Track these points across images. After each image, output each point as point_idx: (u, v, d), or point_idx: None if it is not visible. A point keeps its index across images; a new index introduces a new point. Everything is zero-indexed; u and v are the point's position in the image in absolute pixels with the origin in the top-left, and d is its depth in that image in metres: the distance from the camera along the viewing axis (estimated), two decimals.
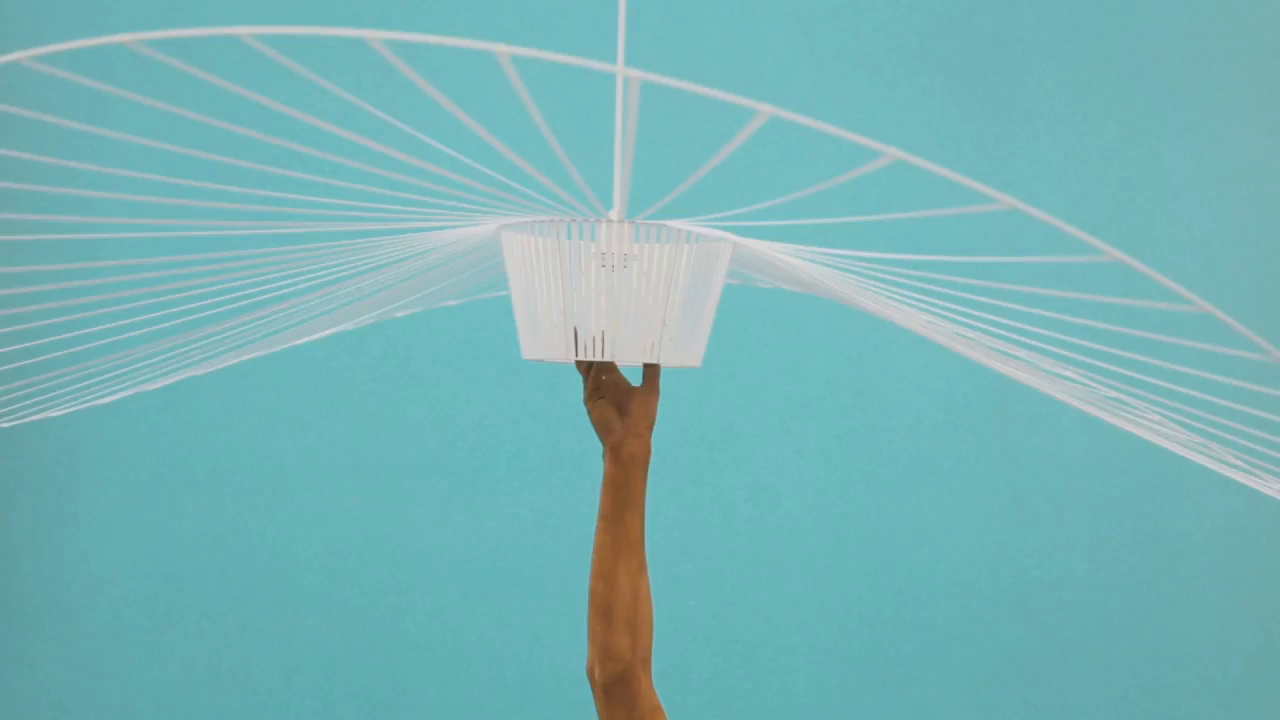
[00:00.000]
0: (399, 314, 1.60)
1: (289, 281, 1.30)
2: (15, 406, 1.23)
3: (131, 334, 1.24)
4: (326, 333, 1.42)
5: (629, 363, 1.28)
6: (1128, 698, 2.92)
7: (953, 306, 1.19)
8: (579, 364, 1.36)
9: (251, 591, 2.91)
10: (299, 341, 1.37)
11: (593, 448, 2.92)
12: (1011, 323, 1.15)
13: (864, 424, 2.96)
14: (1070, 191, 2.95)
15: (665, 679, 1.41)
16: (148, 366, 1.27)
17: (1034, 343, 1.18)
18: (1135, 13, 2.99)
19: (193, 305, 1.30)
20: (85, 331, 1.24)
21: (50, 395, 1.25)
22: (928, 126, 2.94)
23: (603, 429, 1.33)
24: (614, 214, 1.17)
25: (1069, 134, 2.95)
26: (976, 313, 1.15)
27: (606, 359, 1.23)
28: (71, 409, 1.25)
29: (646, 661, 1.34)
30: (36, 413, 1.24)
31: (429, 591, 2.92)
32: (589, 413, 1.34)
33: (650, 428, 1.34)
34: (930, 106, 2.94)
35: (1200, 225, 2.97)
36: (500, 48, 0.59)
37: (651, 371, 1.36)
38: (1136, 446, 2.97)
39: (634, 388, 1.35)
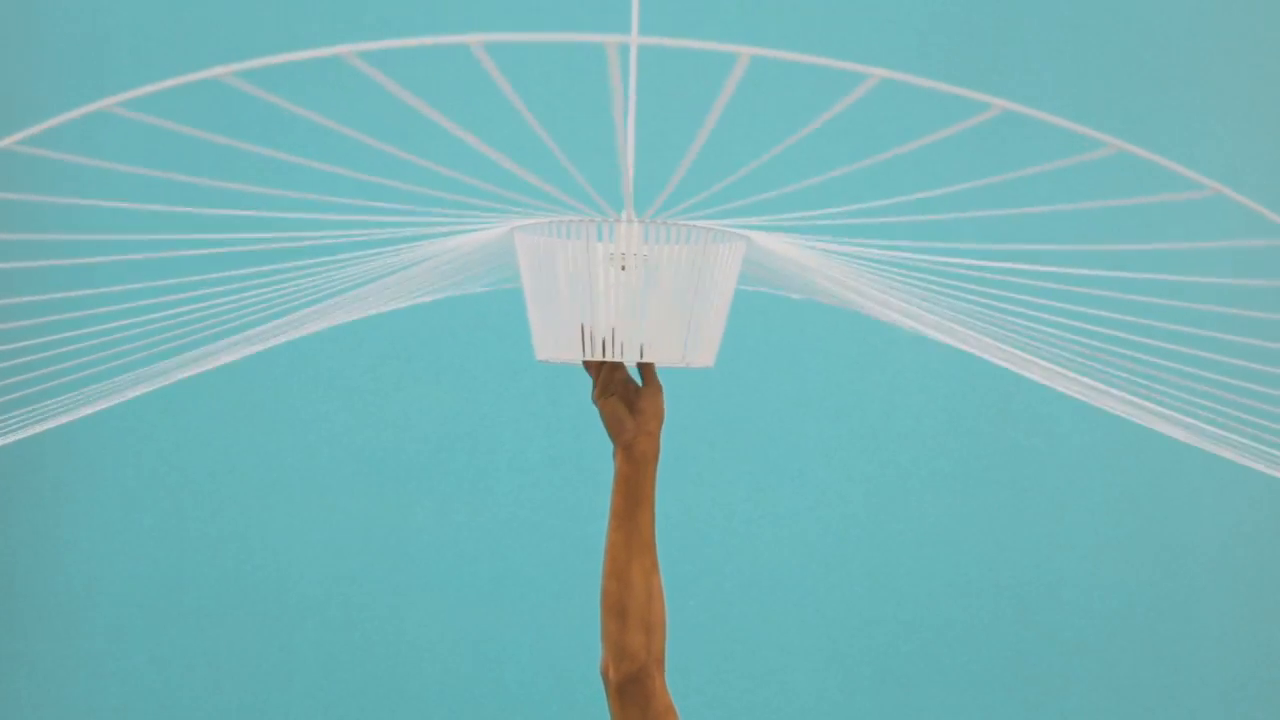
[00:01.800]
0: (421, 300, 1.60)
1: (297, 297, 1.29)
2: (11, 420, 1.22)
3: (132, 330, 1.23)
4: (346, 318, 1.40)
5: (661, 362, 1.28)
6: (1128, 698, 2.93)
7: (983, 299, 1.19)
8: (588, 364, 1.35)
9: (251, 591, 2.91)
10: (313, 329, 1.35)
11: (593, 447, 2.92)
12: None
13: (864, 424, 2.96)
14: (1070, 191, 2.96)
15: (666, 679, 1.43)
16: (156, 364, 1.26)
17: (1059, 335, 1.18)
18: (1135, 12, 2.99)
19: (194, 319, 1.29)
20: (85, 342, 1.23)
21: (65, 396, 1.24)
22: (927, 126, 2.94)
23: (615, 427, 1.33)
24: (629, 213, 1.17)
25: (1068, 133, 2.95)
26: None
27: (624, 359, 1.23)
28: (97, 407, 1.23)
29: (660, 661, 1.33)
30: (37, 423, 1.23)
31: (429, 591, 2.92)
32: (600, 411, 1.34)
33: (660, 425, 1.33)
34: (930, 106, 2.94)
35: (1200, 225, 2.97)
36: (474, 38, 0.58)
37: (649, 369, 1.35)
38: (1137, 446, 2.97)
39: (641, 386, 1.34)
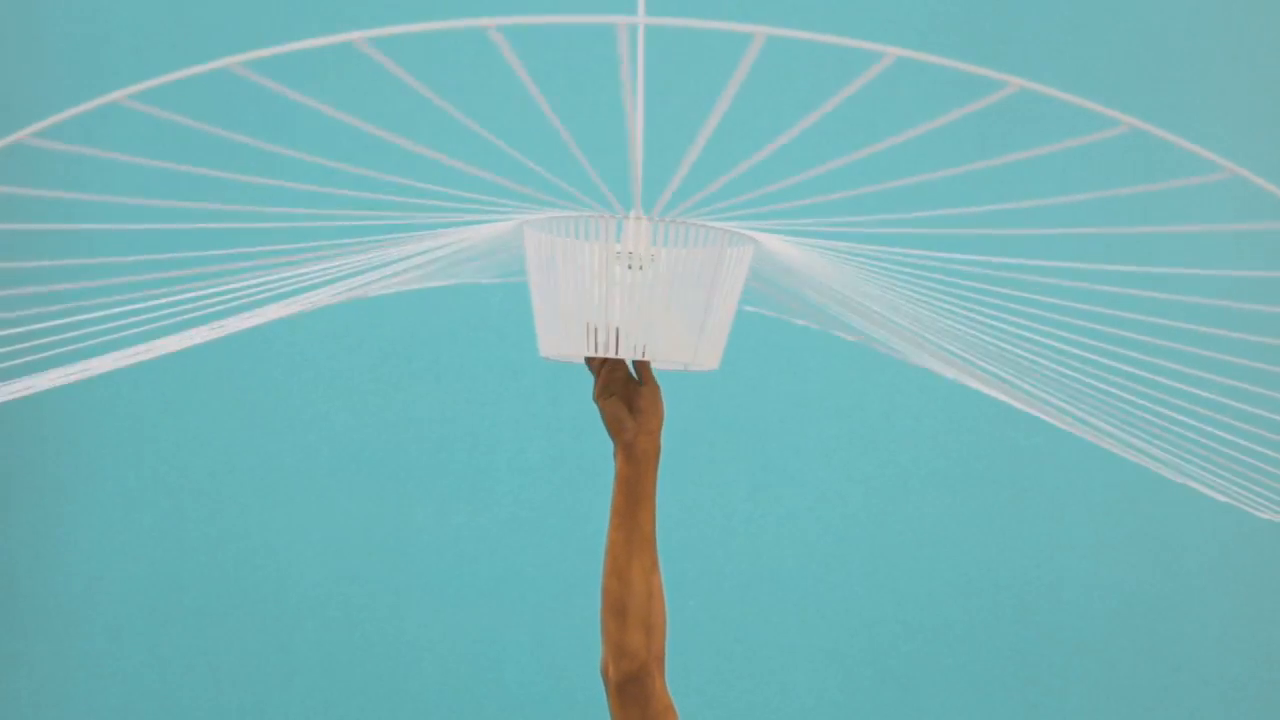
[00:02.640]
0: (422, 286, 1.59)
1: (301, 279, 1.29)
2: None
3: (139, 304, 1.22)
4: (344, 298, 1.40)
5: (665, 363, 1.28)
6: (1128, 698, 2.93)
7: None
8: (589, 361, 1.35)
9: (251, 591, 2.91)
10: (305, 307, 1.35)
11: (593, 447, 2.92)
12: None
13: (864, 424, 2.96)
14: (1069, 190, 2.96)
15: (666, 678, 1.44)
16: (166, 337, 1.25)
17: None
18: (1135, 13, 2.99)
19: (190, 305, 1.29)
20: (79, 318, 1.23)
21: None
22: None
23: (615, 427, 1.33)
24: (637, 211, 1.17)
25: (1068, 133, 2.95)
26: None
27: (630, 358, 1.22)
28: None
29: (660, 660, 1.33)
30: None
31: (429, 591, 2.92)
32: (600, 410, 1.34)
33: (660, 423, 1.33)
34: (930, 106, 2.95)
35: (1199, 223, 2.97)
36: (487, 21, 0.58)
37: (645, 368, 1.35)
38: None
39: (641, 385, 1.34)
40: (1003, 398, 1.26)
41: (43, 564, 2.91)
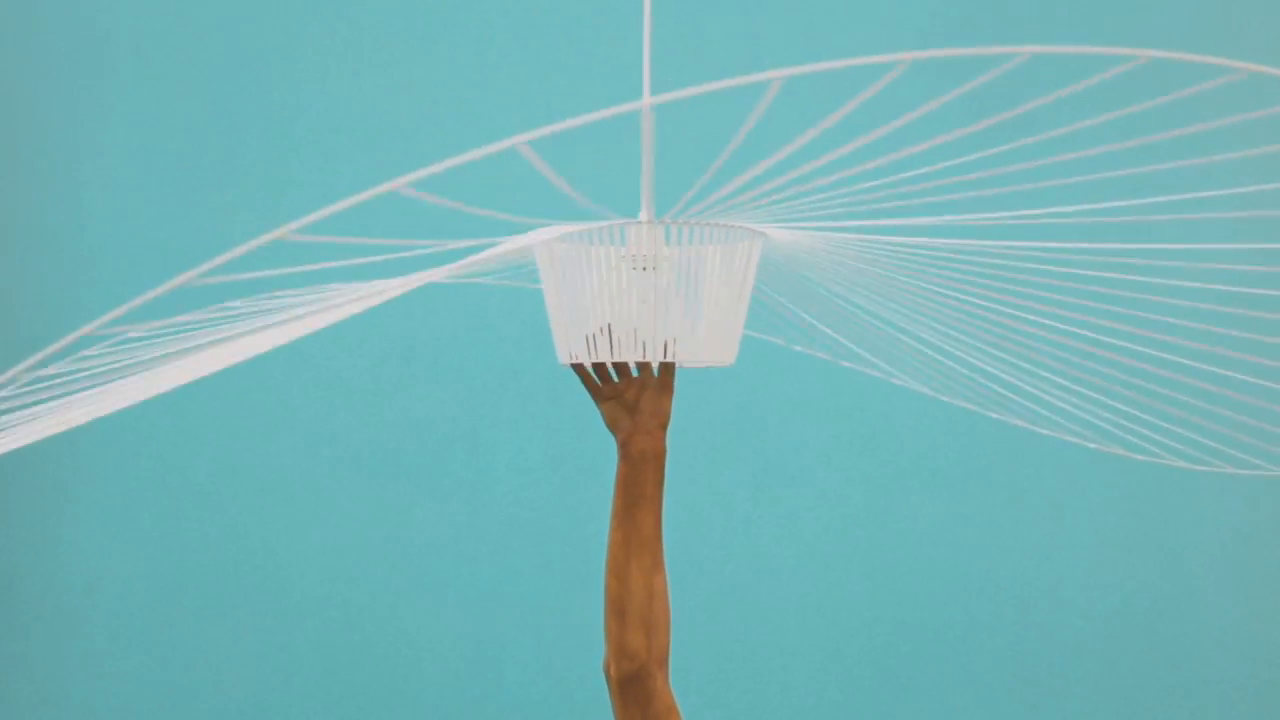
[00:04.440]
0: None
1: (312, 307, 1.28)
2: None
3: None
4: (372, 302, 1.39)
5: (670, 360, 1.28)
6: (1128, 698, 2.93)
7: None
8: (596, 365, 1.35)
9: (251, 591, 2.91)
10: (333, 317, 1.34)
11: (593, 447, 2.92)
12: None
13: (864, 424, 2.96)
14: (1066, 186, 2.95)
15: (670, 678, 1.44)
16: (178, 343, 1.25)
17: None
18: (1134, 13, 2.99)
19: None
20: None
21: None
22: (928, 126, 2.94)
23: (611, 424, 1.33)
24: (644, 215, 1.17)
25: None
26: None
27: (638, 359, 1.23)
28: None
29: (663, 660, 1.34)
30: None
31: (429, 591, 2.92)
32: (600, 410, 1.34)
33: (662, 426, 1.33)
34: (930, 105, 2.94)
35: (1199, 217, 2.97)
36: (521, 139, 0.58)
37: (665, 370, 1.35)
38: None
39: (647, 386, 1.34)
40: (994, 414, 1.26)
41: (43, 564, 2.91)
